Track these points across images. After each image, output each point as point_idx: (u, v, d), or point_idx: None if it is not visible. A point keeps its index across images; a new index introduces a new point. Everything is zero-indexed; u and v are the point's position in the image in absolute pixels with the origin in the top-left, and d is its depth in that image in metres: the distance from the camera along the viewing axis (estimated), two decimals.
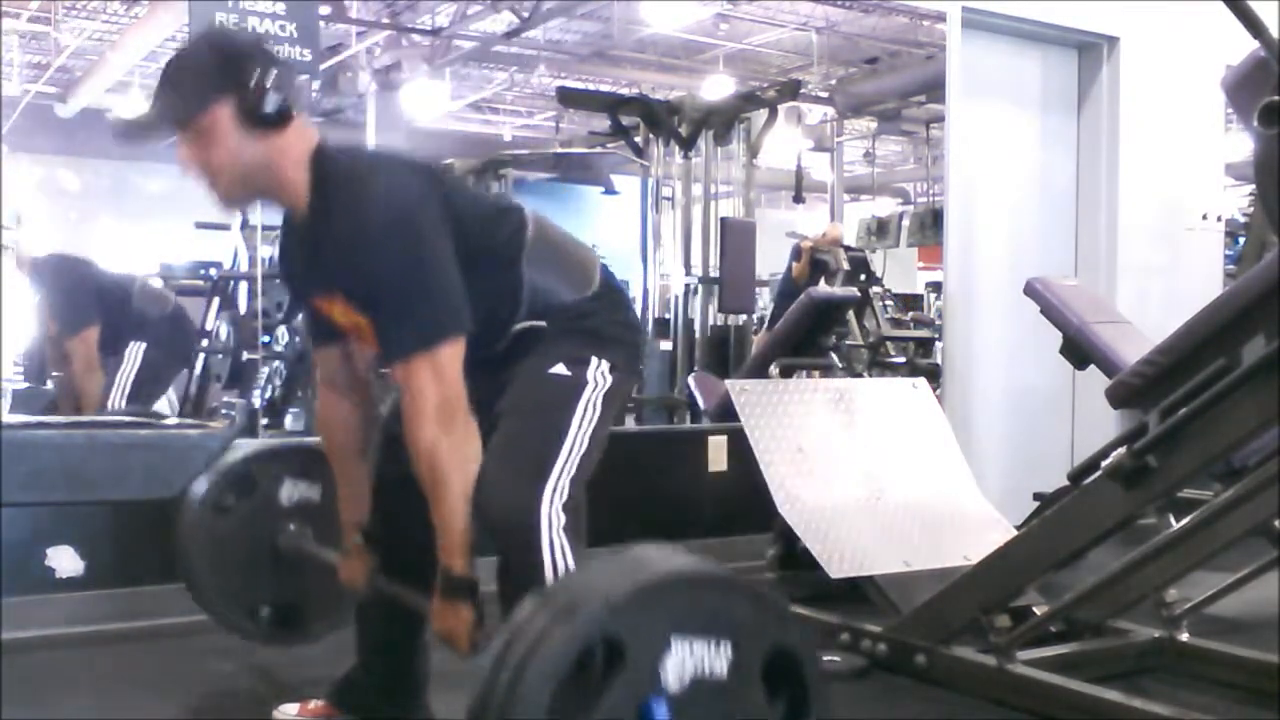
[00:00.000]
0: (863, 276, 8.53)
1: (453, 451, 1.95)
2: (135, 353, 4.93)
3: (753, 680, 1.48)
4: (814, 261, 8.14)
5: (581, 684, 1.38)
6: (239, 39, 2.01)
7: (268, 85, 1.97)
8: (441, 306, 1.98)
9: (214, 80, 1.98)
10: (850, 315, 7.41)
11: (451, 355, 1.97)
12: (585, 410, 2.08)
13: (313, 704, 2.46)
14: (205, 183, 2.04)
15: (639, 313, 7.00)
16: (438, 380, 1.95)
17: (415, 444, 1.96)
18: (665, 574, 1.48)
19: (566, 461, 2.02)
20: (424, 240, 1.98)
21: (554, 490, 1.98)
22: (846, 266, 8.27)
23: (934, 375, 5.57)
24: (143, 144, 2.08)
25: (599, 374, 2.12)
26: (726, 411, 3.99)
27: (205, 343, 6.48)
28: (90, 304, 4.79)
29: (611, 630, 1.38)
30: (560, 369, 2.10)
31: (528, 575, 1.91)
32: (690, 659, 1.42)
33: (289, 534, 2.65)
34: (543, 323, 2.13)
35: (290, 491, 2.68)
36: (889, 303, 9.67)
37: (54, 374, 5.23)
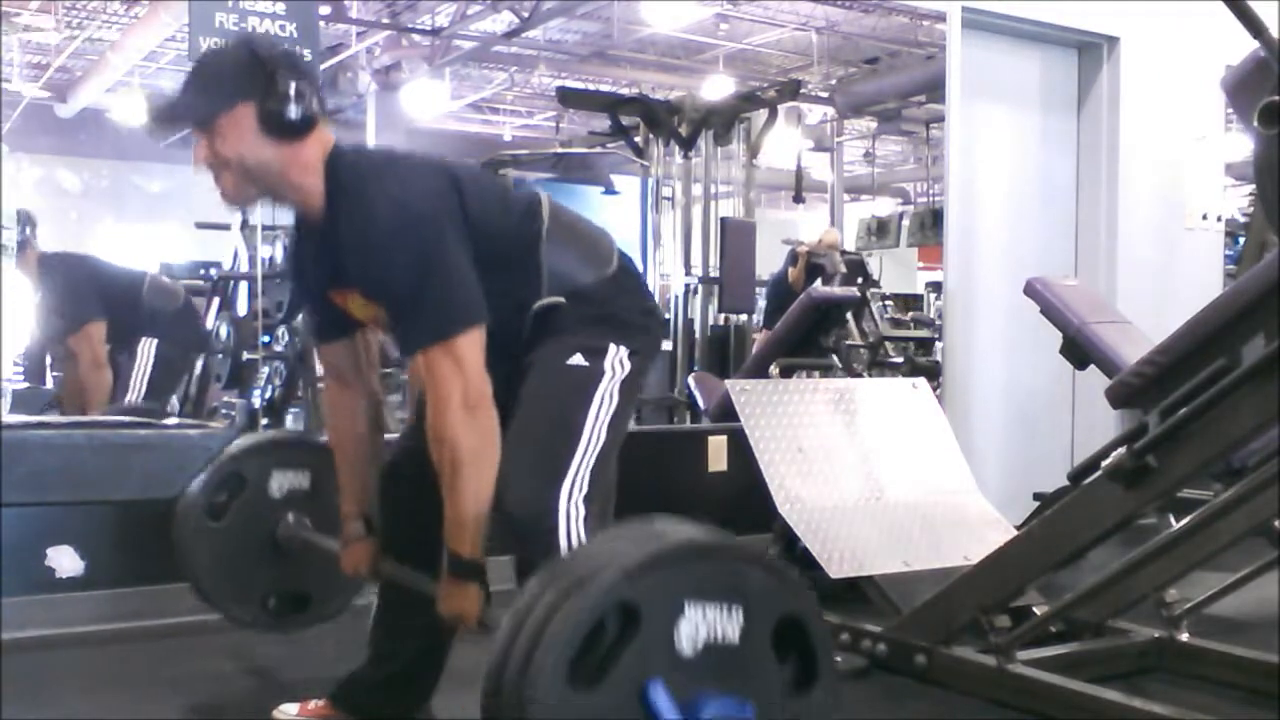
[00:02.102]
0: (860, 280, 8.54)
1: (473, 441, 1.96)
2: (148, 349, 4.90)
3: (763, 646, 1.49)
4: (810, 265, 8.15)
5: (592, 656, 1.39)
6: (272, 47, 2.08)
7: (291, 94, 2.00)
8: (456, 298, 2.00)
9: (239, 83, 2.01)
10: (849, 318, 7.42)
11: (470, 345, 1.98)
12: (602, 401, 2.10)
13: (313, 704, 2.45)
14: (215, 178, 2.06)
15: None
16: (458, 371, 1.97)
17: (436, 432, 1.98)
18: (679, 542, 1.50)
19: (584, 455, 2.04)
20: (435, 235, 2.00)
21: (572, 485, 2.00)
22: (843, 270, 8.27)
23: (933, 374, 5.57)
24: (166, 134, 2.11)
25: (616, 362, 2.14)
26: (726, 411, 3.99)
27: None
28: (94, 299, 4.74)
29: (628, 596, 1.39)
30: (578, 359, 2.12)
31: None
32: (703, 623, 1.43)
33: (286, 524, 2.66)
34: (561, 299, 2.14)
35: (280, 483, 2.69)
36: (888, 302, 9.67)
37: (56, 374, 5.20)
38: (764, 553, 1.58)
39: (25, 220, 4.80)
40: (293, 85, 2.01)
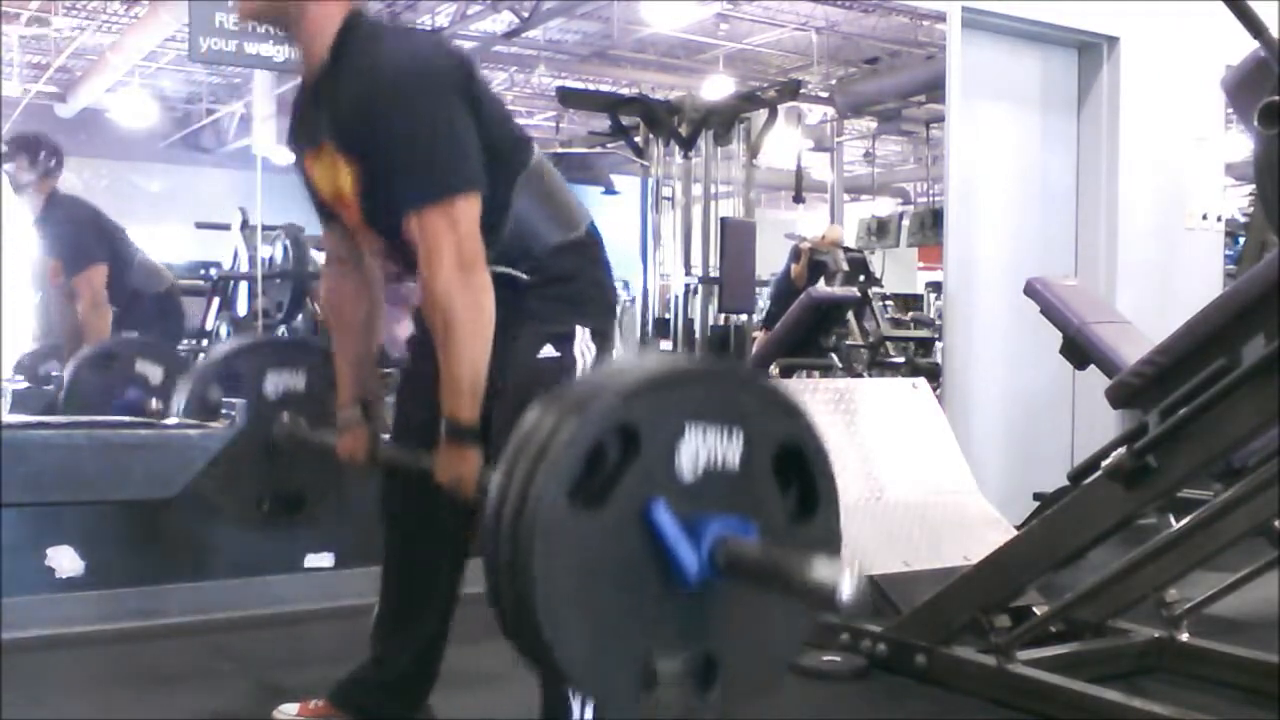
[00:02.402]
0: (862, 277, 8.54)
1: (467, 299, 1.95)
2: None
3: (764, 472, 1.48)
4: (813, 263, 8.14)
5: (594, 479, 1.38)
6: None
7: None
8: (456, 159, 1.98)
9: None
10: (850, 316, 7.42)
11: (467, 208, 1.97)
12: None
13: (313, 703, 2.45)
14: None
15: (638, 314, 7.03)
16: (453, 231, 1.95)
17: (430, 292, 1.96)
18: (676, 365, 1.52)
19: None
20: (442, 95, 1.98)
21: None
22: (845, 268, 8.27)
23: (934, 375, 5.58)
24: None
25: (584, 346, 2.13)
26: None
27: (205, 343, 6.48)
28: (98, 243, 4.74)
29: (627, 418, 1.38)
30: (548, 351, 2.11)
31: None
32: (703, 447, 1.43)
33: (281, 424, 2.63)
34: (523, 276, 2.10)
35: (276, 383, 2.67)
36: (889, 303, 9.67)
37: (55, 374, 5.18)
38: (762, 377, 1.55)
39: (52, 151, 4.80)
40: None
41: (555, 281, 2.12)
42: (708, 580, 1.41)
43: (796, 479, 1.52)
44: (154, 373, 3.96)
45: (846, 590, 1.30)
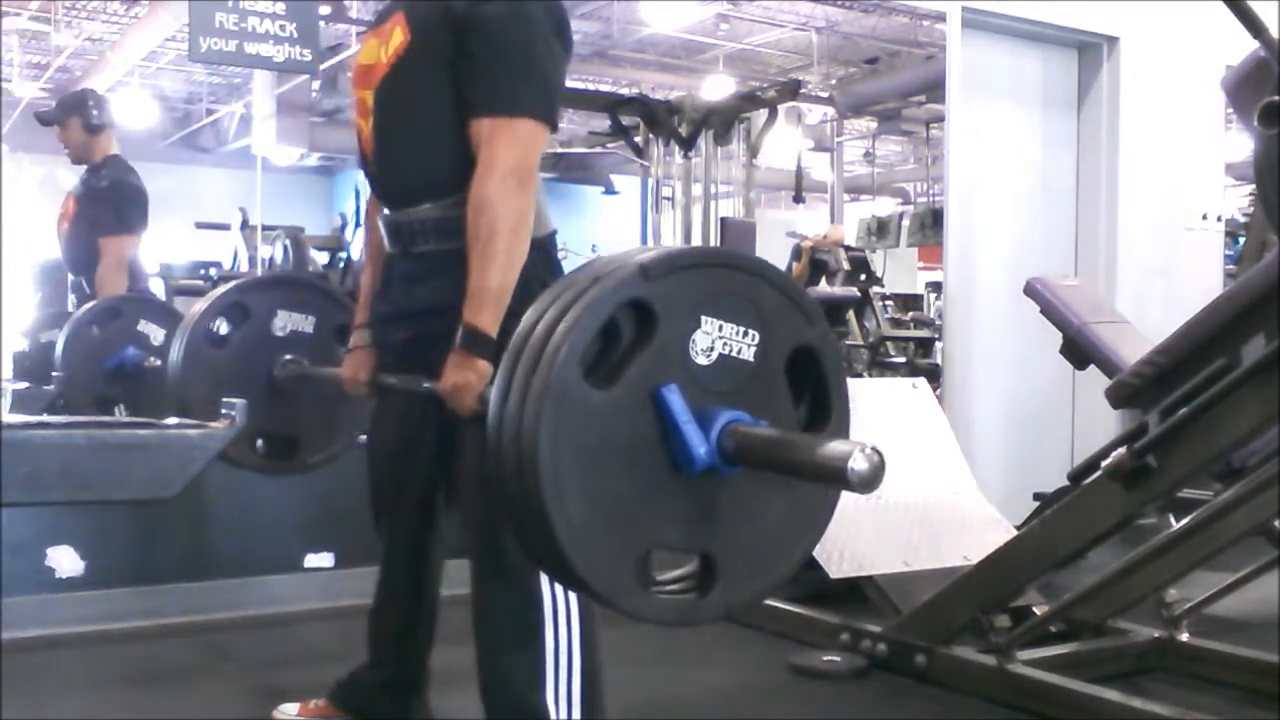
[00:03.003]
0: (863, 276, 8.55)
1: (515, 208, 1.96)
2: None
3: (777, 374, 1.46)
4: (814, 261, 8.15)
5: (608, 358, 1.36)
6: None
7: None
8: (545, 89, 2.01)
9: None
10: (850, 316, 7.42)
11: (533, 134, 1.99)
12: None
13: (313, 703, 2.46)
14: None
15: None
16: (513, 147, 1.97)
17: (480, 194, 1.97)
18: (697, 251, 1.49)
19: None
20: (554, 36, 2.02)
21: None
22: (847, 266, 8.27)
23: (934, 375, 5.58)
24: None
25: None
26: None
27: None
28: (139, 218, 4.71)
29: (643, 295, 1.36)
30: None
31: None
32: (719, 338, 1.41)
33: (285, 363, 2.61)
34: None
35: (284, 322, 2.65)
36: (889, 303, 9.66)
37: (57, 374, 5.17)
38: (782, 276, 1.51)
39: (99, 101, 4.70)
40: None
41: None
42: (715, 472, 1.38)
43: (810, 389, 1.50)
44: (156, 333, 3.95)
45: (860, 465, 1.25)
